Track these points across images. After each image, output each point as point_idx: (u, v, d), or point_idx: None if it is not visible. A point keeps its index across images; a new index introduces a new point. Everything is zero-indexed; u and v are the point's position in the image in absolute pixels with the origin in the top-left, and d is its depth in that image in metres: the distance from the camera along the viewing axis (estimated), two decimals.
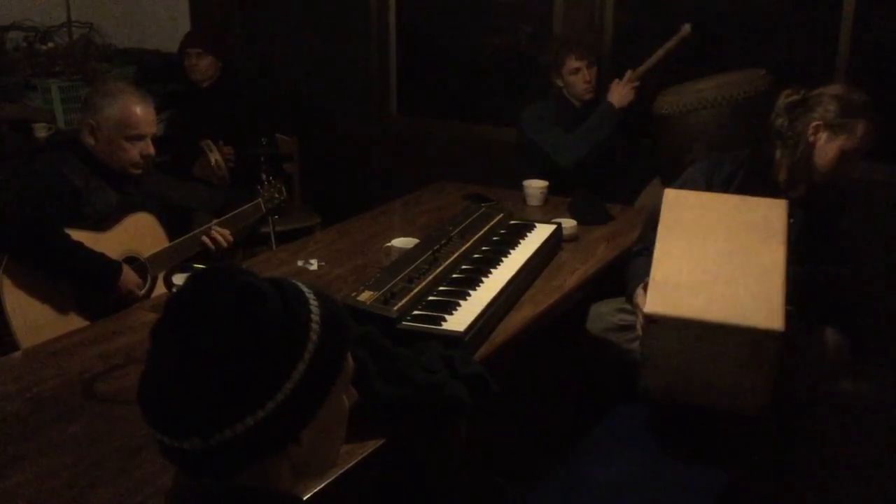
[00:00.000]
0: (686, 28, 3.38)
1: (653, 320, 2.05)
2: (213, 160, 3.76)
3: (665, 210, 2.27)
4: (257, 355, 0.95)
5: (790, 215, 2.27)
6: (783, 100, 2.47)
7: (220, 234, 2.63)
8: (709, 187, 2.48)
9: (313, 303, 1.02)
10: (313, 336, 0.99)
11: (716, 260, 2.20)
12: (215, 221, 2.69)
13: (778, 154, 2.46)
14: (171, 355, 0.96)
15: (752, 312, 2.05)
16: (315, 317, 1.01)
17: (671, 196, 2.33)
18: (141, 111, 2.52)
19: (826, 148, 2.38)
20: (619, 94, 3.43)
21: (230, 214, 2.77)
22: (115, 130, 2.49)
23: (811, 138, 2.38)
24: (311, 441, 1.01)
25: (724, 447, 2.30)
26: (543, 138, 3.43)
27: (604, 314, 2.55)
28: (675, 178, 2.63)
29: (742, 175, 2.49)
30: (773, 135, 2.47)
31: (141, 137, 2.53)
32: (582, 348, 2.59)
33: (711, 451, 2.30)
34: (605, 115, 3.41)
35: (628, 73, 3.46)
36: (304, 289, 1.04)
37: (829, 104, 2.37)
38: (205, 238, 2.61)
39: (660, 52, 3.42)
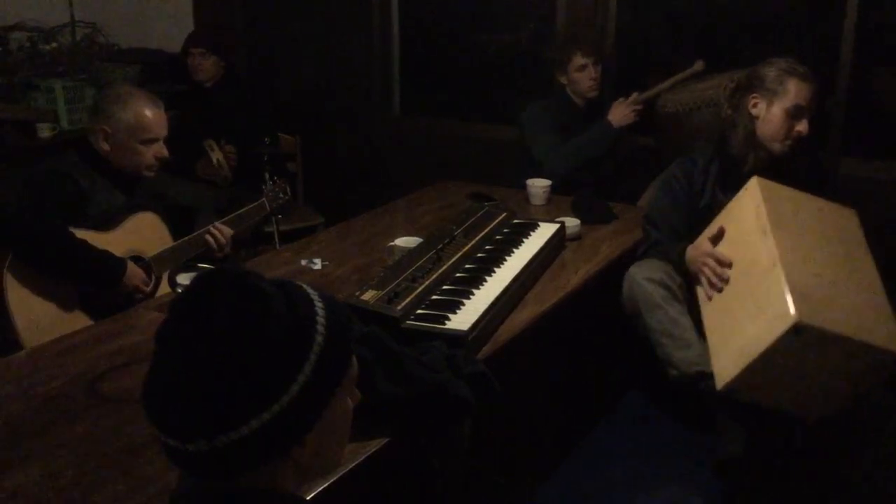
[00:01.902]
0: (699, 64, 3.37)
1: (799, 330, 1.93)
2: (215, 159, 3.77)
3: (765, 200, 2.25)
4: (262, 358, 0.95)
5: None
6: (723, 91, 2.66)
7: (219, 231, 2.64)
8: (688, 181, 2.61)
9: (318, 304, 1.02)
10: (318, 338, 0.99)
11: (828, 264, 2.15)
12: (219, 221, 2.70)
13: (735, 140, 2.58)
14: (175, 358, 0.96)
15: (883, 333, 2.01)
16: (320, 318, 1.01)
17: (762, 184, 2.31)
18: (153, 114, 2.55)
19: (769, 116, 2.51)
20: (620, 114, 3.39)
21: (234, 214, 2.78)
22: (130, 135, 2.51)
23: (753, 112, 2.53)
24: (315, 443, 1.01)
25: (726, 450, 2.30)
26: (537, 139, 3.42)
27: (654, 267, 2.51)
28: None
29: (717, 167, 2.59)
30: (728, 125, 2.61)
31: (155, 140, 2.56)
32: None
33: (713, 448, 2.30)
34: (603, 133, 3.38)
35: (634, 95, 3.43)
36: (309, 291, 1.04)
37: (758, 78, 2.54)
38: (208, 237, 2.63)
39: (669, 82, 3.40)
